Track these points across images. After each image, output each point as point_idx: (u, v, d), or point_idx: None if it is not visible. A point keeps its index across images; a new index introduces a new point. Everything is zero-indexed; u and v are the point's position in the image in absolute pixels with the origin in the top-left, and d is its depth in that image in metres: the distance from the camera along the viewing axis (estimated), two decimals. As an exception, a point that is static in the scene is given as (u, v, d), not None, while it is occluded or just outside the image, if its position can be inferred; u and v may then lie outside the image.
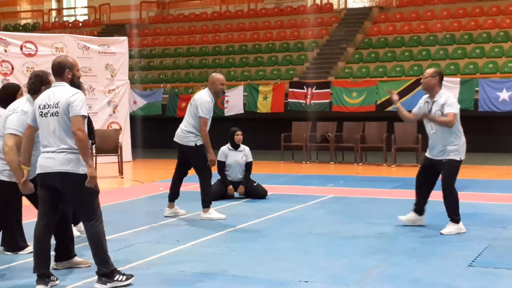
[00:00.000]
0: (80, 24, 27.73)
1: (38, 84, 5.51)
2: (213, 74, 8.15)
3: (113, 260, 5.09)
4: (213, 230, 7.19)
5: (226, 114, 18.21)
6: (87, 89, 15.98)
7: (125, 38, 17.05)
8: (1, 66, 15.00)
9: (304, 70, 20.51)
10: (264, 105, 18.08)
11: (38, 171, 5.04)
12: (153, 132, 18.52)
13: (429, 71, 7.38)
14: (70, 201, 5.11)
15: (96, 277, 5.01)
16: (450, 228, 6.93)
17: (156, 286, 5.05)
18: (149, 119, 18.30)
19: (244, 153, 9.50)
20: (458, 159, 6.99)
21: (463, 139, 7.14)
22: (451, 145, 6.93)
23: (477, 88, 16.09)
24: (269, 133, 17.73)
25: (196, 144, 7.77)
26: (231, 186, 9.34)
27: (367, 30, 21.85)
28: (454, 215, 6.97)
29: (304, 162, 14.92)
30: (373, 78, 18.42)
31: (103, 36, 19.64)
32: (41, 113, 5.02)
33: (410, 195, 8.05)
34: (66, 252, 5.53)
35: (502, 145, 15.99)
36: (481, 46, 19.15)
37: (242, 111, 18.01)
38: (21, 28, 27.45)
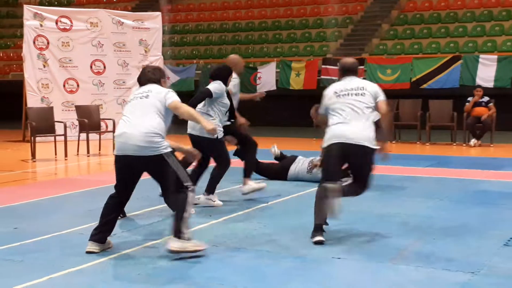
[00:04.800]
0: (114, -1, 27.84)
1: (158, 75, 5.61)
2: (235, 56, 8.09)
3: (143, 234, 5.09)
4: (244, 206, 7.20)
5: (258, 91, 18.17)
6: (121, 64, 16.10)
7: (159, 13, 17.09)
8: (37, 40, 15.15)
9: (337, 46, 20.33)
10: (296, 82, 18.00)
11: (339, 140, 5.59)
12: (186, 108, 18.55)
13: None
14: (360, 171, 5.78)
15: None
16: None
17: (189, 260, 5.07)
18: (181, 95, 18.28)
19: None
20: None
21: None
22: None
23: (514, 66, 15.78)
24: (301, 110, 17.59)
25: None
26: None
27: (402, 6, 21.52)
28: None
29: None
30: (408, 55, 18.19)
31: (136, 11, 19.66)
32: (337, 95, 5.81)
33: (445, 173, 7.99)
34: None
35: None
36: (520, 22, 18.76)
37: (274, 87, 17.95)
38: (56, 3, 27.64)
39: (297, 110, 18.01)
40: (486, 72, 15.88)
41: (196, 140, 7.04)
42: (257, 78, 18.43)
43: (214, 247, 5.44)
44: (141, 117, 5.23)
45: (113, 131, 13.12)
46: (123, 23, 16.09)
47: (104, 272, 4.77)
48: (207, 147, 7.00)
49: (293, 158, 9.28)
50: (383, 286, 4.43)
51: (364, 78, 16.66)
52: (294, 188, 8.38)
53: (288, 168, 9.12)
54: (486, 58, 16.16)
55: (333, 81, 17.44)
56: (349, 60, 6.14)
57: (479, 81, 15.70)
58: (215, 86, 7.09)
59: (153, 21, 16.59)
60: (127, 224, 6.29)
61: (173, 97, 5.37)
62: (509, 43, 17.99)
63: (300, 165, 9.12)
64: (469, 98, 14.04)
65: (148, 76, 5.58)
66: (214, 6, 25.06)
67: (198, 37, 23.57)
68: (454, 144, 13.95)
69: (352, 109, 5.69)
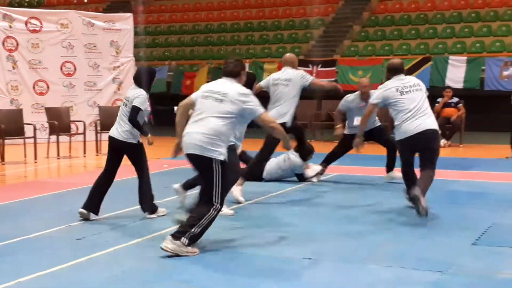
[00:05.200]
0: (85, 0, 27.60)
1: (239, 67, 5.60)
2: (292, 54, 8.69)
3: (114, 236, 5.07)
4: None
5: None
6: (92, 66, 15.98)
7: (130, 14, 17.00)
8: (6, 42, 14.98)
9: (309, 48, 20.41)
10: (269, 83, 17.99)
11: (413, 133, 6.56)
12: (158, 110, 18.48)
13: None
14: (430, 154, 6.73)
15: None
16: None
17: (160, 262, 5.06)
18: (154, 96, 18.22)
19: None
20: None
21: None
22: None
23: (483, 67, 16.00)
24: (274, 111, 17.65)
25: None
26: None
27: (373, 8, 21.69)
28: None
29: (309, 141, 14.84)
30: (379, 56, 18.33)
31: (108, 13, 19.53)
32: (401, 92, 6.77)
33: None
34: None
35: (509, 124, 15.92)
36: (488, 24, 19.01)
37: (247, 89, 17.93)
38: (26, 4, 27.33)
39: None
40: (456, 73, 16.08)
41: None
42: (229, 79, 18.42)
43: (185, 249, 5.42)
44: (208, 119, 5.28)
45: (84, 133, 13.02)
46: (93, 24, 15.96)
47: (73, 275, 4.73)
48: None
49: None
50: (353, 286, 4.45)
51: (335, 80, 16.88)
52: (266, 189, 8.38)
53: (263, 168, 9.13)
54: (455, 59, 16.37)
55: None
56: (398, 60, 7.31)
57: (448, 82, 15.89)
58: None
59: (125, 22, 16.49)
60: (96, 227, 6.25)
61: (258, 110, 5.35)
62: (478, 45, 18.24)
63: (275, 161, 9.11)
64: (439, 99, 14.19)
65: (230, 68, 5.53)
66: (186, 8, 25.00)
67: (170, 39, 23.50)
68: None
69: (418, 104, 6.68)
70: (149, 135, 6.67)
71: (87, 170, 11.08)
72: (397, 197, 7.69)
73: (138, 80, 6.74)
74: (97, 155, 12.76)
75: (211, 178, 5.21)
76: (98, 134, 13.25)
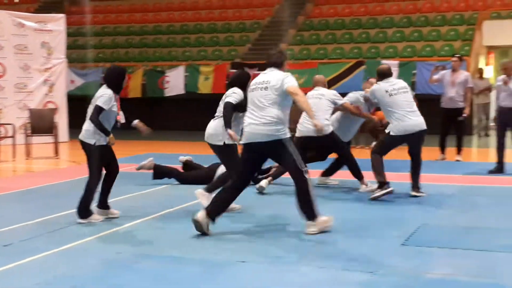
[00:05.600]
0: (16, 0, 26.88)
1: (283, 58, 6.07)
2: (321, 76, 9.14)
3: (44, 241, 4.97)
4: (150, 211, 7.11)
5: (166, 95, 18.06)
6: (22, 67, 15.57)
7: (63, 15, 16.68)
8: None
9: (246, 51, 20.48)
10: (205, 86, 18.00)
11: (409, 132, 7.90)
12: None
13: None
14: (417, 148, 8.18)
15: None
16: None
17: (93, 267, 4.98)
18: (87, 99, 17.88)
19: None
20: None
21: None
22: None
23: (414, 71, 16.39)
24: (210, 114, 17.59)
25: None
26: None
27: (308, 12, 21.94)
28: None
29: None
30: (314, 60, 18.56)
31: (40, 13, 19.08)
32: (390, 94, 7.79)
33: (346, 175, 8.18)
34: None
35: (438, 127, 16.34)
36: (419, 29, 19.51)
37: (183, 91, 17.89)
38: (-47, 3, 26.42)
39: (205, 114, 17.96)
40: (388, 77, 16.41)
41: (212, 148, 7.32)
42: (164, 82, 18.30)
43: (118, 254, 5.36)
44: (262, 109, 5.82)
45: (13, 137, 12.66)
46: (24, 25, 15.58)
47: (1, 282, 4.59)
48: (218, 152, 7.20)
49: (217, 164, 9.25)
50: (286, 288, 4.50)
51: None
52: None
53: (215, 171, 9.07)
54: (387, 63, 16.70)
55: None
56: (385, 66, 8.32)
57: (381, 85, 16.21)
58: (235, 96, 6.92)
59: (57, 23, 16.16)
60: (25, 233, 6.10)
61: (289, 82, 5.78)
62: (409, 49, 18.68)
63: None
64: (372, 102, 14.43)
65: (274, 60, 6.03)
66: (121, 9, 24.68)
67: (104, 40, 23.15)
68: (358, 147, 14.32)
69: (408, 104, 7.69)
70: (110, 135, 6.47)
71: (16, 174, 10.80)
72: (330, 198, 7.80)
73: (106, 80, 6.63)
74: (27, 159, 12.45)
75: (288, 154, 5.80)
76: (28, 138, 12.94)
